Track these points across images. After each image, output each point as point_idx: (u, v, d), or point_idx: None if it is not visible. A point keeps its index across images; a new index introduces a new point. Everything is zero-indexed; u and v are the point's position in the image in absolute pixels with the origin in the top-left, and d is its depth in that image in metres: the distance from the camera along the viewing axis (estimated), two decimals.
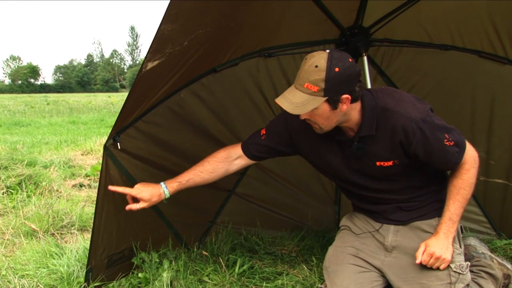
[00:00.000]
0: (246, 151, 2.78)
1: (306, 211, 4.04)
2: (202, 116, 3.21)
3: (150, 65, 2.36)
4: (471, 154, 2.47)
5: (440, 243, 2.42)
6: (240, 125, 3.46)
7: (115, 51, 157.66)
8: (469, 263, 2.54)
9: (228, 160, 2.78)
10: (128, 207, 2.64)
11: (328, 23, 3.27)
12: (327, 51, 2.22)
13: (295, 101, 2.24)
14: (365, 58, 3.30)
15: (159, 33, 2.24)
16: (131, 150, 2.85)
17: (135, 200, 2.66)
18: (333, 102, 2.25)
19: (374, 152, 2.47)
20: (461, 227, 2.65)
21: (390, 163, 2.47)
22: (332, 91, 2.20)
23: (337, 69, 2.17)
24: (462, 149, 2.42)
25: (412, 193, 2.62)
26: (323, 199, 4.15)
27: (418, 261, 2.43)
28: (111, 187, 2.63)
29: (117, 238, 2.95)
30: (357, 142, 2.46)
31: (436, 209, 2.62)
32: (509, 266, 2.98)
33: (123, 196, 2.84)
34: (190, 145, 3.22)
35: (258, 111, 3.52)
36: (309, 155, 2.73)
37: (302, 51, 3.42)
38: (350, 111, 2.37)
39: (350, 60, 2.23)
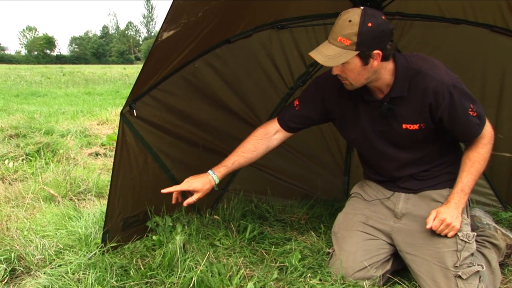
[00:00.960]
0: (283, 124, 2.87)
1: (316, 181, 4.13)
2: (216, 86, 3.29)
3: (165, 35, 2.43)
4: (489, 130, 2.57)
5: (451, 211, 2.50)
6: (252, 96, 3.55)
7: (130, 23, 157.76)
8: (475, 234, 2.60)
9: (267, 136, 2.87)
10: (185, 202, 2.75)
11: None
12: (361, 7, 2.29)
13: (328, 53, 2.32)
14: None
15: (174, 3, 2.31)
16: (147, 117, 2.95)
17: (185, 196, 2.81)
18: (365, 57, 2.33)
19: (402, 114, 2.53)
20: (469, 200, 2.71)
21: (416, 126, 2.53)
22: (364, 45, 2.28)
23: (370, 24, 2.24)
24: (483, 122, 2.51)
25: (427, 164, 2.69)
26: (333, 170, 4.24)
27: (428, 226, 2.50)
28: (163, 190, 2.74)
29: (132, 202, 3.06)
30: (387, 103, 2.53)
31: (447, 180, 2.69)
32: None
33: (139, 162, 2.96)
34: (203, 114, 3.32)
35: (270, 82, 3.60)
36: (339, 118, 2.79)
37: (314, 24, 3.49)
38: (381, 70, 2.44)
39: (383, 17, 2.31)
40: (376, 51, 2.32)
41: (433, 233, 2.55)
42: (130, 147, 2.90)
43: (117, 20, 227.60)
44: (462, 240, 2.53)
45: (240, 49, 3.26)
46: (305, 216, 3.80)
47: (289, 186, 4.10)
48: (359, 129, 2.71)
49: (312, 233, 3.41)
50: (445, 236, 2.52)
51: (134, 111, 2.81)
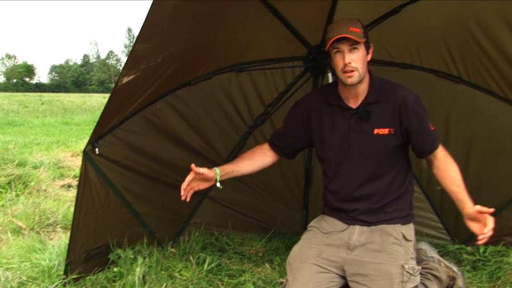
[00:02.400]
0: (271, 143, 3.09)
1: (275, 215, 4.28)
2: (177, 125, 3.47)
3: (125, 80, 2.62)
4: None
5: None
6: (212, 134, 3.73)
7: (111, 52, 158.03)
8: (420, 268, 2.78)
9: (262, 152, 3.08)
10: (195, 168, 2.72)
11: (296, 41, 3.53)
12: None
13: (354, 32, 2.62)
14: (329, 74, 3.54)
15: (134, 52, 2.51)
16: (109, 155, 3.11)
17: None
18: (367, 47, 2.71)
19: (375, 119, 2.78)
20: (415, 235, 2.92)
21: (386, 131, 2.76)
22: (366, 36, 2.67)
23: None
24: (438, 138, 2.85)
25: (386, 191, 2.87)
26: (292, 204, 4.38)
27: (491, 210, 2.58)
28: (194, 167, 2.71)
29: (94, 235, 3.20)
30: (362, 108, 2.80)
31: (399, 216, 2.88)
32: (455, 268, 3.24)
33: (101, 197, 3.11)
34: (165, 152, 3.48)
35: (230, 122, 3.78)
36: (319, 130, 2.96)
37: (272, 67, 3.70)
38: (366, 71, 2.77)
39: None
40: (371, 44, 2.73)
41: (382, 264, 2.70)
42: (93, 183, 3.06)
43: (98, 49, 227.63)
44: (408, 272, 2.68)
45: (200, 91, 3.43)
46: (263, 248, 3.95)
47: (249, 220, 4.24)
48: (334, 138, 2.90)
49: (267, 265, 3.57)
50: (392, 269, 2.68)
51: (96, 149, 2.98)
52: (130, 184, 3.34)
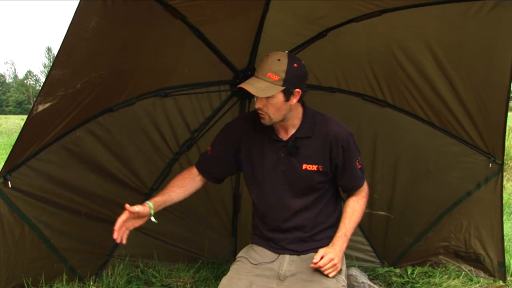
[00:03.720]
0: (199, 168, 2.98)
1: (203, 243, 4.16)
2: (99, 154, 3.31)
3: (41, 107, 2.46)
4: (366, 186, 2.91)
5: (337, 252, 2.66)
6: (137, 162, 3.59)
7: (29, 71, 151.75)
8: None
9: (192, 176, 2.97)
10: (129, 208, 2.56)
11: (222, 65, 3.48)
12: (286, 51, 2.62)
13: (259, 86, 2.54)
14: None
15: (50, 78, 2.37)
16: (24, 187, 2.91)
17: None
18: (288, 94, 2.58)
19: (304, 154, 2.74)
20: (345, 261, 2.87)
21: (315, 167, 2.73)
22: (290, 82, 2.54)
23: (295, 65, 2.55)
24: (364, 176, 2.86)
25: (315, 222, 2.84)
26: (219, 231, 4.27)
27: (316, 261, 2.60)
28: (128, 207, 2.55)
29: (7, 275, 2.97)
30: (292, 142, 2.73)
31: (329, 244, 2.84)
32: None
33: (14, 234, 2.90)
34: (86, 182, 3.31)
35: (155, 148, 3.66)
36: (245, 158, 2.91)
37: (198, 92, 3.63)
38: (294, 110, 2.69)
39: (303, 62, 2.64)
40: (297, 90, 2.60)
41: None
42: (5, 218, 2.85)
43: (15, 69, 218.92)
44: None
45: (123, 117, 3.31)
46: (191, 280, 3.81)
47: (176, 249, 4.09)
48: (263, 169, 2.84)
49: None
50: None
51: (9, 182, 2.77)
52: (47, 218, 3.12)
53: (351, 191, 2.89)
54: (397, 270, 4.04)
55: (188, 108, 3.67)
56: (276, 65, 2.55)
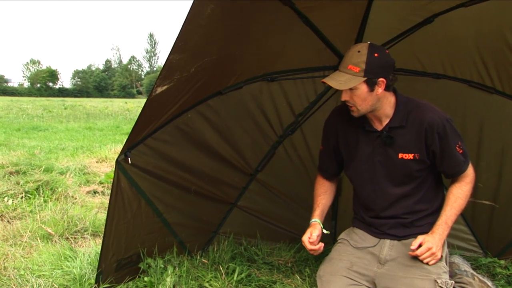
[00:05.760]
0: (319, 169, 3.23)
1: (304, 225, 4.18)
2: (208, 134, 3.47)
3: (159, 90, 2.63)
4: (472, 171, 2.86)
5: (436, 241, 2.68)
6: (243, 144, 3.73)
7: (133, 57, 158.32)
8: (453, 282, 2.71)
9: (322, 180, 3.21)
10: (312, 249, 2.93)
11: (328, 51, 3.51)
12: (368, 42, 2.66)
13: (339, 79, 2.62)
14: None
15: (168, 62, 2.51)
16: (141, 164, 3.12)
17: None
18: (371, 84, 2.63)
19: (399, 144, 2.78)
20: (448, 248, 2.88)
21: (411, 156, 2.76)
22: (371, 73, 2.59)
23: (376, 55, 2.59)
24: (467, 161, 2.81)
25: (415, 209, 2.87)
26: None
27: (413, 247, 2.68)
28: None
29: (126, 244, 3.20)
30: (386, 132, 2.78)
31: (430, 230, 2.84)
32: (489, 283, 3.17)
33: (132, 206, 3.12)
34: (195, 161, 3.48)
35: (260, 131, 3.78)
36: (347, 151, 3.01)
37: (303, 77, 3.69)
38: (383, 99, 2.73)
39: (387, 51, 2.68)
40: (380, 79, 2.63)
41: (414, 279, 2.67)
42: (125, 192, 3.07)
43: (120, 55, 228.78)
44: (440, 286, 2.63)
45: (231, 100, 3.45)
46: (292, 259, 3.92)
47: (278, 230, 4.22)
48: (360, 160, 2.92)
49: (297, 276, 3.54)
50: (424, 283, 2.64)
51: (129, 159, 2.99)
52: (161, 194, 3.34)
53: (454, 177, 2.86)
54: (502, 262, 3.89)
55: (293, 93, 3.75)
56: (356, 56, 2.59)
